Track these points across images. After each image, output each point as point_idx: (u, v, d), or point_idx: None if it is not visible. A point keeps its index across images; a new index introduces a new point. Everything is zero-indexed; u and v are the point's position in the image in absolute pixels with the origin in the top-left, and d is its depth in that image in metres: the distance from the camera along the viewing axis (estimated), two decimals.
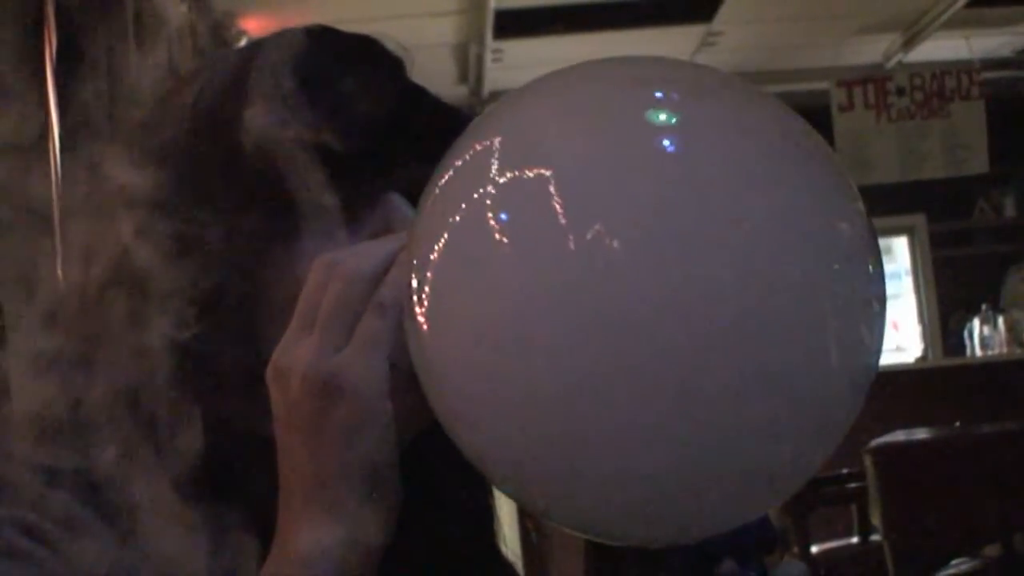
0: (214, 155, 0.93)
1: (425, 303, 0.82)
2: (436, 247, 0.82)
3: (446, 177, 0.85)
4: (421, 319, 0.82)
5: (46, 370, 1.00)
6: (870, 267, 0.86)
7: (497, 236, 0.80)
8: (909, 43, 7.44)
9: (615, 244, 0.79)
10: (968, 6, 6.68)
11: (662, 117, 0.86)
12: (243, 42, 5.28)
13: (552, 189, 0.81)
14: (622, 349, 0.78)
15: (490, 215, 0.81)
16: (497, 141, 0.85)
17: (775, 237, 0.82)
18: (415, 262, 0.83)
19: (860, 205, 0.89)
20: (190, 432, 0.91)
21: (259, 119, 0.92)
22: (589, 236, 0.78)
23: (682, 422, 0.79)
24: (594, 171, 0.82)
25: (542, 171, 0.82)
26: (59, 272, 1.05)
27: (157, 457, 0.91)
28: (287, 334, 0.85)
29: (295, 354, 0.83)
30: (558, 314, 0.79)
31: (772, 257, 0.81)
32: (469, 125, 0.87)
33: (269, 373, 0.85)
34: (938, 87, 7.77)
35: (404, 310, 0.83)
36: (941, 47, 7.55)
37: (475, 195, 0.82)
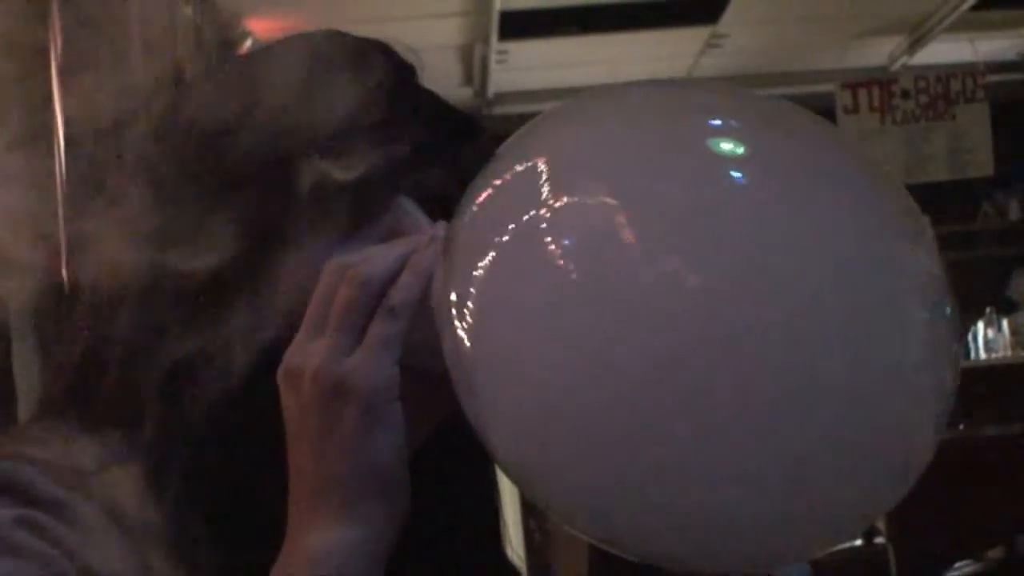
0: (227, 159, 0.94)
1: (468, 318, 0.81)
2: (481, 264, 0.81)
3: (485, 194, 0.84)
4: (462, 333, 0.82)
5: (51, 363, 1.00)
6: (948, 309, 0.84)
7: (560, 262, 0.79)
8: (914, 46, 7.44)
9: (693, 279, 0.78)
10: (973, 9, 6.68)
11: (726, 146, 0.84)
12: (249, 43, 5.27)
13: (621, 219, 0.79)
14: (692, 385, 0.77)
15: (549, 239, 0.80)
16: (542, 162, 0.84)
17: (855, 275, 0.80)
18: (456, 277, 0.83)
19: (930, 235, 0.87)
20: (196, 433, 0.91)
21: (271, 123, 0.93)
22: (667, 270, 0.78)
23: (754, 463, 0.78)
24: (663, 202, 0.81)
25: (606, 199, 0.81)
26: (63, 270, 1.05)
27: (164, 456, 0.92)
28: (298, 337, 0.85)
29: (306, 356, 0.84)
30: (628, 346, 0.77)
31: (851, 295, 0.80)
32: (503, 144, 0.87)
33: (280, 375, 0.85)
34: (943, 90, 7.76)
35: (439, 323, 0.83)
36: (946, 50, 7.55)
37: (525, 216, 0.81)
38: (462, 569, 1.04)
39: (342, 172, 0.92)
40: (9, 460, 0.90)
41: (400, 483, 0.84)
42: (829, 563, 4.55)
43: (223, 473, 0.91)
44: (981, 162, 7.78)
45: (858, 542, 4.80)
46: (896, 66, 7.89)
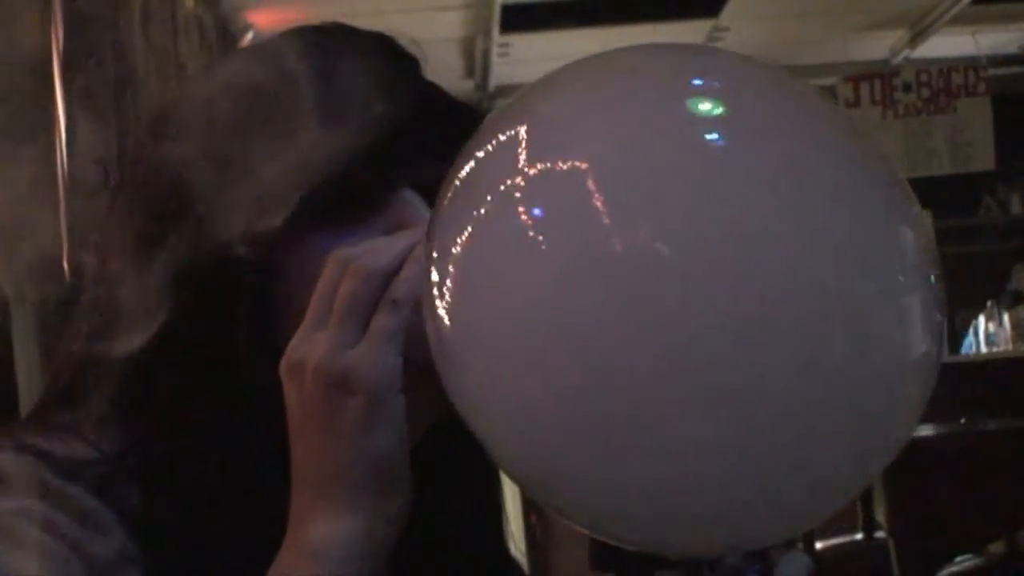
0: (230, 152, 0.93)
1: (447, 297, 0.80)
2: (459, 240, 0.80)
3: (467, 168, 0.83)
4: (442, 313, 0.81)
5: (54, 358, 1.01)
6: (931, 276, 0.82)
7: (531, 233, 0.78)
8: (916, 39, 7.43)
9: (665, 248, 0.75)
10: (975, 2, 6.67)
11: (704, 107, 0.82)
12: (250, 36, 5.26)
13: (591, 185, 0.77)
14: (668, 355, 0.75)
15: (521, 209, 0.78)
16: (523, 130, 0.82)
17: (832, 240, 0.78)
18: (435, 255, 0.82)
19: (917, 206, 0.84)
20: (203, 426, 0.92)
21: (275, 117, 0.93)
22: (638, 239, 0.75)
23: (730, 430, 0.76)
24: (637, 167, 0.78)
25: (578, 164, 0.78)
26: (65, 265, 1.06)
27: (165, 449, 0.92)
28: (301, 329, 0.85)
29: (309, 348, 0.84)
30: (601, 316, 0.75)
31: (829, 261, 0.77)
32: (488, 116, 0.86)
33: (283, 367, 0.85)
34: (944, 83, 7.76)
35: (423, 304, 0.83)
36: (948, 43, 7.54)
37: (502, 187, 0.79)
38: (465, 562, 1.04)
39: (345, 165, 0.92)
40: (11, 452, 0.90)
41: (402, 475, 0.84)
42: (831, 557, 4.55)
43: (225, 466, 0.91)
44: (982, 155, 7.78)
45: (859, 536, 4.81)
46: (898, 59, 7.88)
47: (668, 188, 0.77)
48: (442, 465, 0.92)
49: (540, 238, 0.77)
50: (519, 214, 0.78)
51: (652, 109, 0.81)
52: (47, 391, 1.00)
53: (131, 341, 0.94)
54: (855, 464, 0.82)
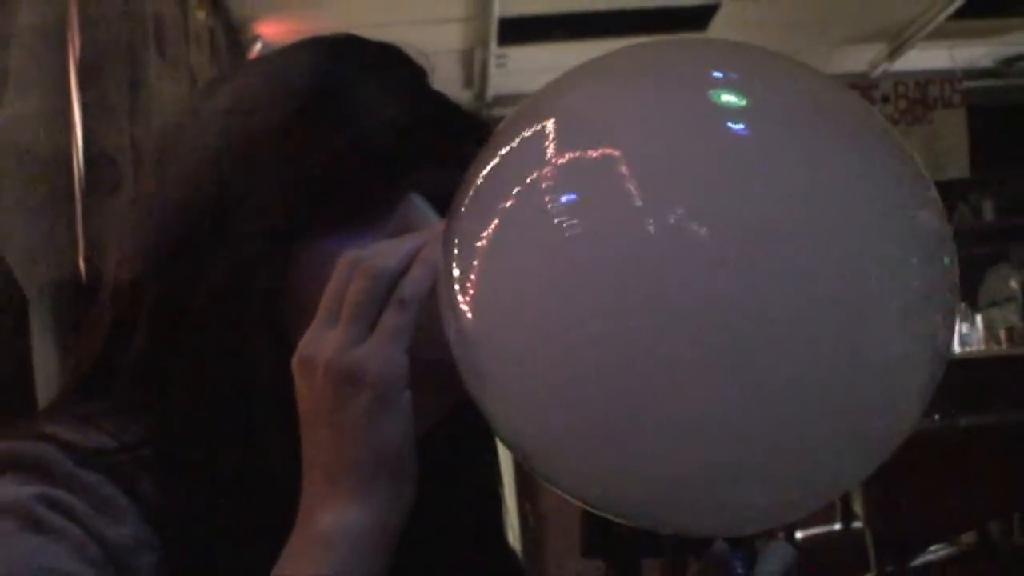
0: (246, 159, 0.94)
1: (471, 291, 0.80)
2: (484, 233, 0.79)
3: (490, 166, 0.82)
4: (465, 307, 0.80)
5: (74, 350, 1.01)
6: (946, 258, 0.81)
7: (561, 219, 0.76)
8: (894, 53, 7.43)
9: (700, 230, 0.74)
10: (951, 18, 6.67)
11: (727, 97, 0.80)
12: (258, 46, 5.23)
13: (624, 170, 0.76)
14: (696, 336, 0.74)
15: (549, 197, 0.77)
16: (550, 124, 0.81)
17: (852, 223, 0.77)
18: (457, 252, 0.81)
19: (933, 191, 0.84)
20: (217, 419, 0.92)
21: (289, 124, 0.94)
22: (672, 220, 0.74)
23: (756, 412, 0.75)
24: (668, 152, 0.77)
25: (609, 151, 0.77)
26: (81, 264, 1.06)
27: (182, 439, 0.92)
28: (312, 327, 0.85)
29: (320, 345, 0.84)
30: (634, 297, 0.74)
31: (849, 244, 0.76)
32: (505, 119, 0.85)
33: (295, 363, 0.85)
34: (921, 95, 7.77)
35: (440, 299, 0.82)
36: (925, 57, 7.55)
37: (529, 179, 0.78)
38: (465, 552, 1.04)
39: (354, 170, 0.92)
40: (31, 440, 0.90)
41: (409, 466, 0.84)
42: (811, 546, 4.55)
43: (237, 458, 0.91)
44: (957, 164, 7.79)
45: (837, 526, 4.81)
46: (877, 72, 7.89)
47: (696, 174, 0.76)
48: (443, 457, 0.92)
49: (574, 223, 0.76)
50: (548, 202, 0.77)
51: (677, 100, 0.80)
52: (66, 383, 1.01)
53: (148, 338, 0.95)
54: (860, 448, 0.81)
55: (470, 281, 0.80)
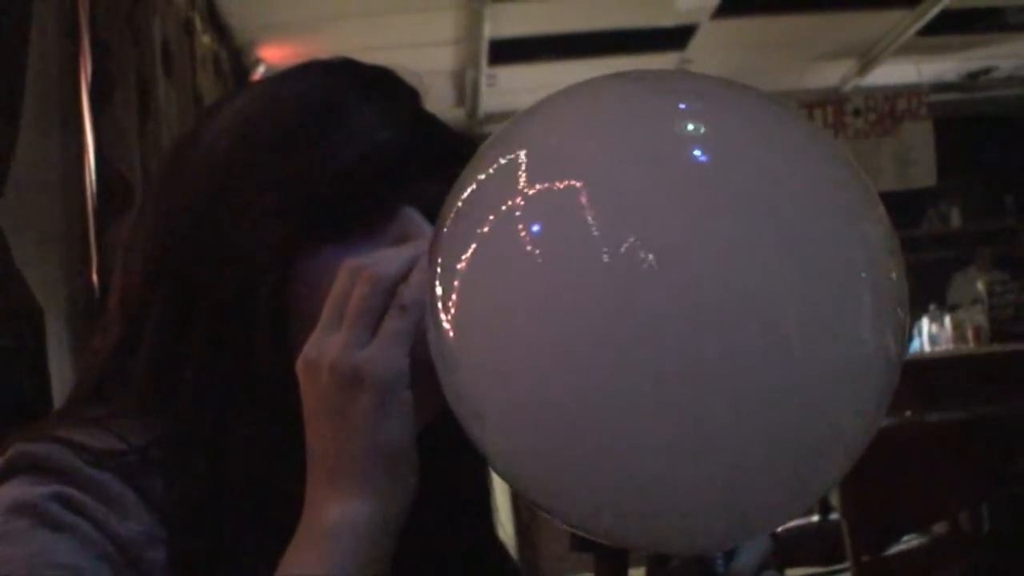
0: (248, 174, 0.95)
1: (452, 310, 0.80)
2: (464, 256, 0.79)
3: (470, 190, 0.82)
4: (447, 325, 0.80)
5: (86, 355, 1.01)
6: (894, 274, 0.82)
7: (528, 248, 0.76)
8: (864, 69, 7.46)
9: (650, 257, 0.73)
10: (918, 35, 6.69)
11: (690, 127, 0.80)
12: (261, 69, 5.22)
13: (583, 200, 0.76)
14: (653, 360, 0.74)
15: (520, 226, 0.77)
16: (523, 154, 0.81)
17: (808, 245, 0.76)
18: (439, 271, 0.81)
19: (882, 209, 0.83)
20: (223, 422, 0.92)
21: (289, 142, 0.94)
22: (623, 249, 0.74)
23: (715, 434, 0.75)
24: (625, 182, 0.77)
25: (572, 182, 0.77)
26: (95, 281, 1.06)
27: (192, 443, 0.92)
28: (316, 331, 0.85)
29: (324, 348, 0.84)
30: (589, 325, 0.74)
31: (806, 265, 0.76)
32: (485, 142, 0.86)
33: (299, 365, 0.85)
34: (890, 108, 7.79)
35: (427, 316, 0.82)
36: (893, 72, 7.58)
37: (503, 207, 0.78)
38: (456, 546, 1.03)
39: (354, 185, 0.93)
40: (44, 442, 0.90)
41: (410, 463, 0.84)
42: (787, 538, 4.55)
43: (242, 458, 0.91)
44: (925, 173, 7.81)
45: (815, 518, 4.81)
46: (848, 87, 7.91)
47: (654, 203, 0.76)
48: (436, 454, 0.92)
49: (537, 252, 0.76)
50: (518, 231, 0.77)
51: (642, 130, 0.80)
52: (77, 388, 1.01)
53: (156, 346, 0.95)
54: (815, 464, 0.81)
55: (451, 301, 0.80)
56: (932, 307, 7.78)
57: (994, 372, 6.51)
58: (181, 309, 0.94)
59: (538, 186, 0.79)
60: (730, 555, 0.88)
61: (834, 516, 4.42)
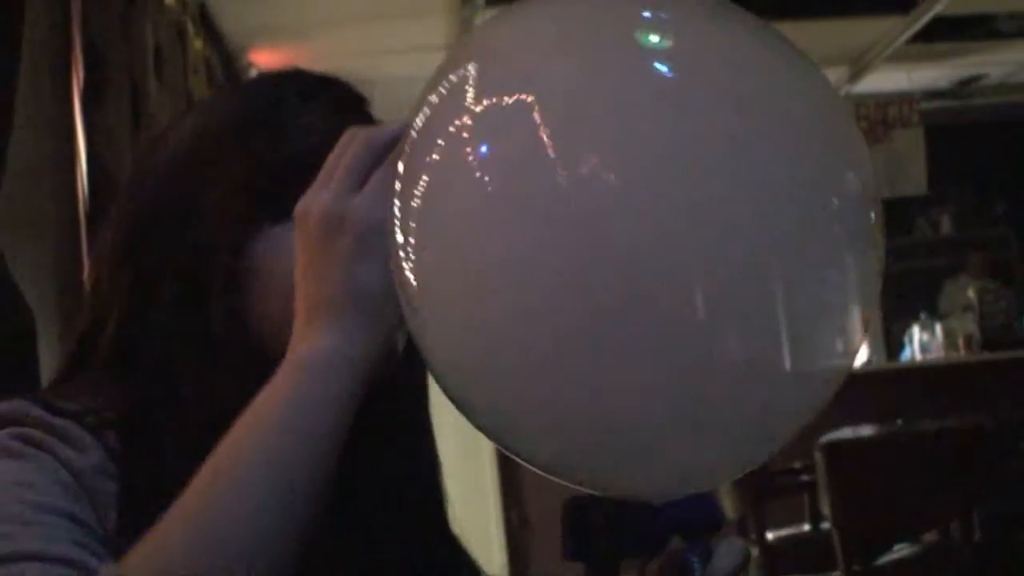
0: (206, 164, 1.03)
1: (412, 257, 0.78)
2: (417, 194, 0.77)
3: (421, 115, 0.80)
4: (409, 275, 0.78)
5: (65, 348, 1.08)
6: (872, 213, 0.78)
7: (477, 174, 0.73)
8: (855, 76, 7.47)
9: (612, 178, 0.69)
10: (909, 42, 6.71)
11: (653, 39, 0.75)
12: (254, 74, 5.25)
13: (536, 117, 0.71)
14: (615, 286, 0.70)
15: (468, 150, 0.73)
16: (472, 67, 0.77)
17: (775, 168, 0.72)
18: (399, 215, 0.79)
19: (859, 138, 0.79)
20: (179, 385, 0.97)
21: (242, 138, 1.03)
22: (584, 170, 0.70)
23: (679, 357, 0.71)
24: (583, 97, 0.72)
25: (523, 96, 0.72)
26: (86, 283, 1.09)
27: (145, 403, 0.98)
28: (312, 187, 0.92)
29: (315, 200, 0.90)
30: (550, 253, 0.70)
31: (772, 189, 0.72)
32: (443, 59, 0.84)
33: (295, 216, 0.91)
34: (881, 116, 7.80)
35: (393, 266, 0.81)
36: (884, 79, 7.58)
37: (451, 128, 0.75)
38: (404, 539, 1.05)
39: (297, 171, 0.97)
40: (15, 401, 0.95)
41: (383, 306, 0.87)
42: (779, 547, 4.56)
43: (195, 417, 0.95)
44: (916, 181, 7.82)
45: (806, 527, 4.82)
46: (839, 94, 7.92)
47: (614, 119, 0.71)
48: (381, 446, 0.98)
49: (486, 179, 0.73)
50: (465, 156, 0.74)
51: (601, 40, 0.75)
52: (55, 375, 1.07)
53: (121, 320, 1.02)
54: (775, 406, 0.77)
55: (410, 247, 0.78)
56: (923, 315, 7.80)
57: (985, 380, 6.53)
58: (144, 286, 1.00)
59: (485, 102, 0.75)
60: (706, 558, 0.88)
61: (825, 525, 4.43)
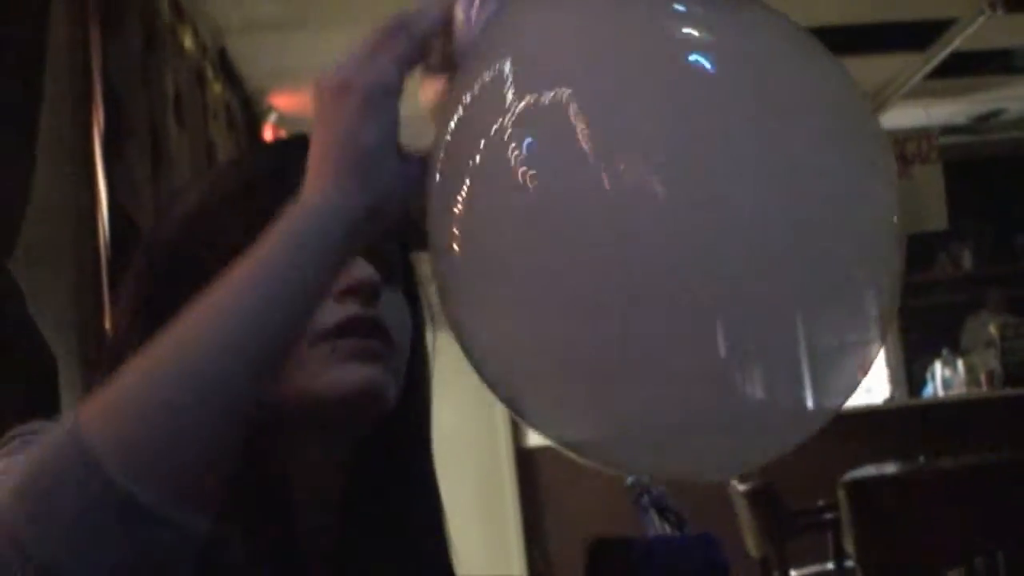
0: (217, 217, 1.08)
1: (457, 236, 0.79)
2: (461, 196, 0.79)
3: (457, 115, 0.82)
4: (451, 253, 0.80)
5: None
6: (895, 218, 0.81)
7: (520, 177, 0.74)
8: (873, 112, 7.47)
9: (652, 179, 0.70)
10: (927, 78, 6.71)
11: (688, 31, 0.76)
12: (273, 117, 5.24)
13: (574, 116, 0.72)
14: (647, 286, 0.71)
15: (513, 147, 0.75)
16: (508, 64, 0.79)
17: (809, 164, 0.74)
18: (439, 215, 0.81)
19: (880, 133, 0.82)
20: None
21: (249, 193, 1.07)
22: (622, 173, 0.71)
23: (696, 354, 0.72)
24: (620, 92, 0.73)
25: (562, 92, 0.73)
26: (108, 327, 1.11)
27: None
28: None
29: (328, 73, 0.91)
30: (599, 252, 0.71)
31: (803, 191, 0.73)
32: (470, 52, 0.86)
33: (314, 91, 0.92)
34: (900, 151, 7.78)
35: (437, 263, 0.83)
36: (902, 115, 7.58)
37: (494, 129, 0.76)
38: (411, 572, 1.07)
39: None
40: (37, 422, 0.97)
41: (383, 170, 0.88)
42: None
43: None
44: (936, 217, 7.80)
45: (830, 565, 4.79)
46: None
47: (651, 117, 0.73)
48: (384, 480, 0.99)
49: (533, 172, 0.74)
50: (509, 158, 0.75)
51: (635, 33, 0.76)
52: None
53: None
54: (807, 393, 0.78)
55: (455, 247, 0.79)
56: (945, 351, 7.77)
57: (1007, 416, 6.50)
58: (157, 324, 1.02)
59: (526, 101, 0.76)
60: None
61: (849, 563, 4.41)
